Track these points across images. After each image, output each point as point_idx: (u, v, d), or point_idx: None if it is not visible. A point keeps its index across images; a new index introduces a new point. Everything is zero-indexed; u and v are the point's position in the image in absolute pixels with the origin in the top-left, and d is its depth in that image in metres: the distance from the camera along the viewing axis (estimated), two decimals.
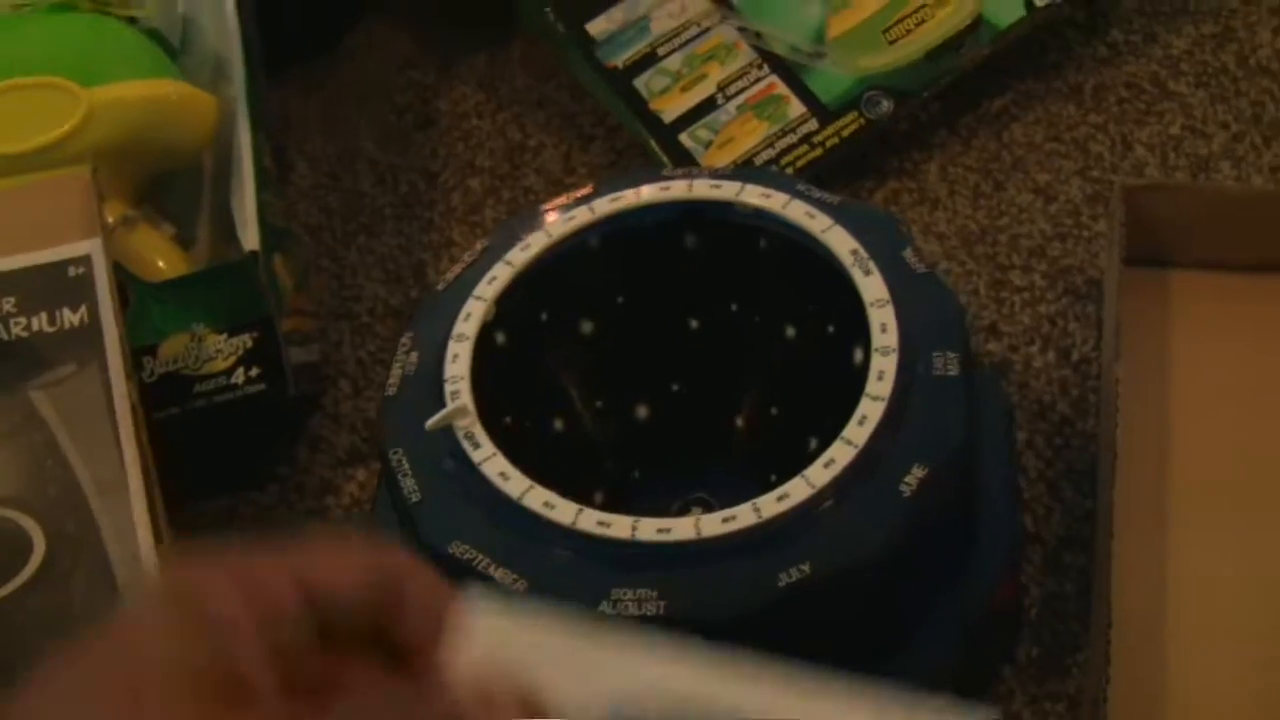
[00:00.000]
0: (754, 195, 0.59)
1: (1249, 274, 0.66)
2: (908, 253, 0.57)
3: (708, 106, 0.72)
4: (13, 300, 0.63)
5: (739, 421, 0.63)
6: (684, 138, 0.71)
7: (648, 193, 0.60)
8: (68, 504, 0.60)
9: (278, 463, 0.68)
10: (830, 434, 0.53)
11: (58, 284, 0.63)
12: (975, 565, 0.56)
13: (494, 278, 0.58)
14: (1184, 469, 0.62)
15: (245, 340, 0.64)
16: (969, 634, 0.57)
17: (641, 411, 0.63)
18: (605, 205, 0.60)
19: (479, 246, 0.60)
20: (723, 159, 0.71)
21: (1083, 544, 0.61)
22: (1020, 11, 0.73)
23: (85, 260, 0.63)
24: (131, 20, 0.70)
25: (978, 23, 0.73)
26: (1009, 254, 0.70)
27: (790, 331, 0.61)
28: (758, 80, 0.72)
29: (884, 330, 0.55)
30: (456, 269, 0.59)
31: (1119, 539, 0.57)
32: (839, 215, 0.58)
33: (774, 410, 0.63)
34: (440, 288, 0.59)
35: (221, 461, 0.67)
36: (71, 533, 0.60)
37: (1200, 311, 0.66)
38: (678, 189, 0.60)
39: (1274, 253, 0.65)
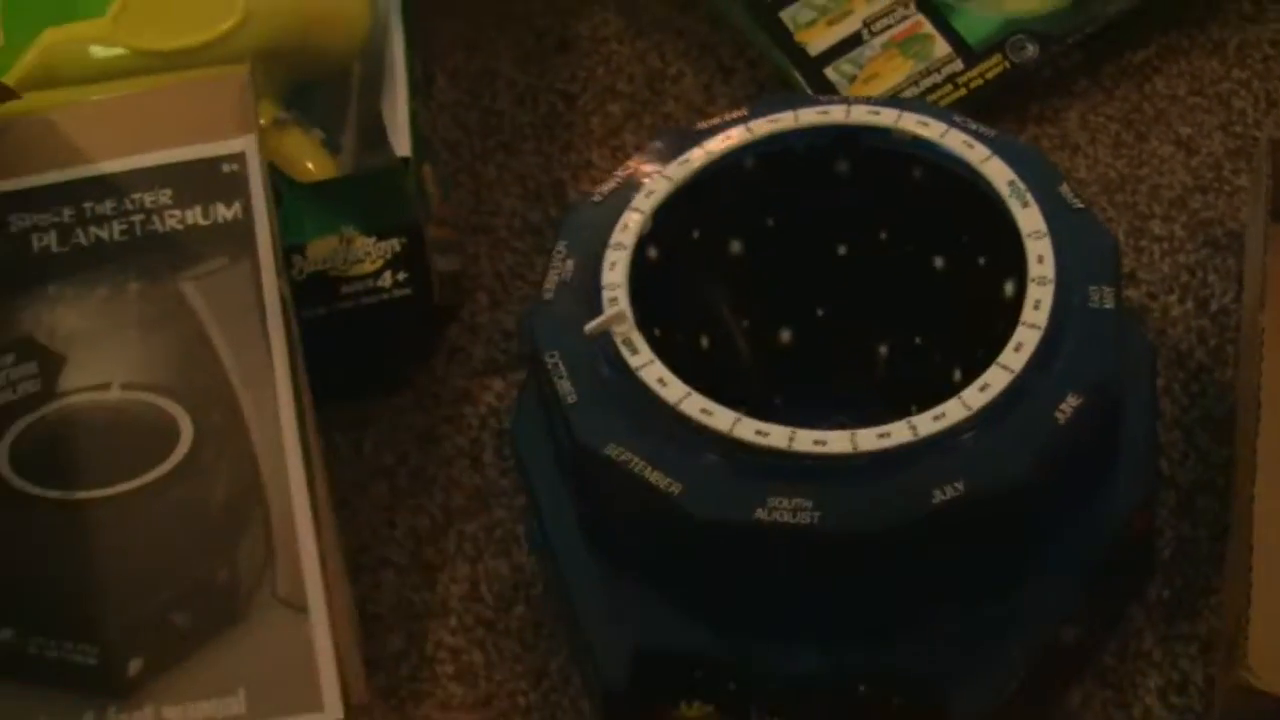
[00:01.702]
0: (911, 123, 0.59)
1: None
2: (1063, 188, 0.58)
3: (853, 42, 0.73)
4: (168, 193, 0.64)
5: (882, 350, 0.64)
6: (828, 71, 0.72)
7: (805, 116, 0.60)
8: (215, 395, 0.61)
9: (416, 370, 0.69)
10: (976, 367, 0.54)
11: (212, 179, 0.64)
12: (1114, 497, 0.57)
13: (651, 191, 0.59)
14: None
15: (394, 245, 0.65)
16: (1103, 562, 0.57)
17: (785, 335, 0.64)
18: (763, 126, 0.60)
19: (633, 161, 0.61)
20: (866, 94, 0.71)
21: (1216, 490, 0.62)
22: None
23: (240, 157, 0.64)
24: None
25: None
26: (1149, 203, 0.70)
27: (939, 262, 0.62)
28: (904, 18, 0.73)
29: (1041, 261, 0.55)
30: (612, 182, 0.60)
31: (1260, 483, 0.57)
32: (996, 147, 0.58)
33: (918, 340, 0.63)
34: (596, 199, 0.60)
35: (362, 365, 0.68)
36: (217, 423, 0.61)
37: None
38: (835, 114, 0.60)
39: None
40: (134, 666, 0.57)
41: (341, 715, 0.57)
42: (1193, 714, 0.58)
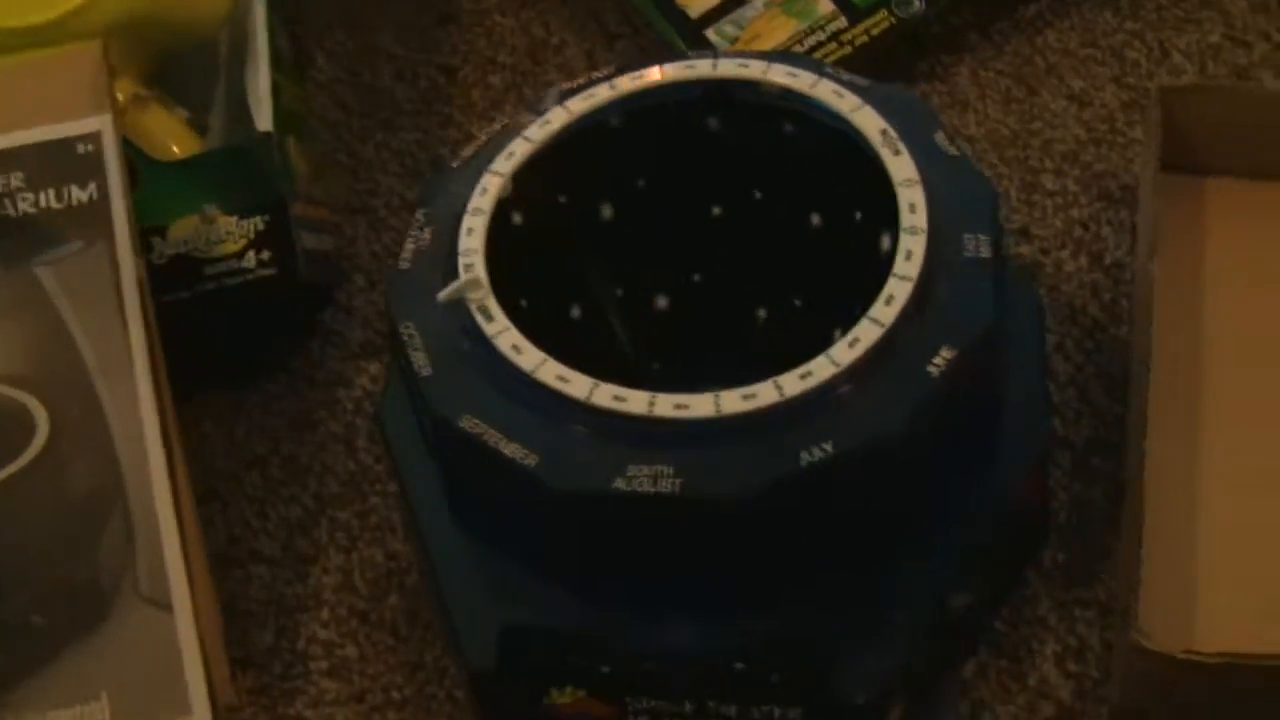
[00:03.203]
0: (780, 74, 0.57)
1: None
2: (939, 135, 0.55)
3: (735, 2, 0.71)
4: (20, 176, 0.61)
5: (760, 313, 0.62)
6: (710, 33, 0.70)
7: (671, 71, 0.58)
8: (72, 385, 0.59)
9: (290, 355, 0.67)
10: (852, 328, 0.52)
11: (66, 160, 0.61)
12: (1001, 459, 0.55)
13: (511, 153, 0.56)
14: (1216, 374, 0.60)
15: (257, 223, 0.63)
16: (993, 526, 0.55)
17: (661, 302, 0.62)
18: (627, 83, 0.58)
19: (496, 125, 0.58)
20: None
21: (1112, 449, 0.60)
22: None
23: (95, 137, 0.62)
24: None
25: None
26: (1041, 158, 0.68)
27: (815, 220, 0.60)
28: None
29: (913, 210, 0.53)
30: (472, 146, 0.58)
31: (1151, 441, 0.55)
32: (868, 96, 0.56)
33: (797, 302, 0.61)
34: (455, 164, 0.58)
35: (230, 349, 0.65)
36: (75, 415, 0.58)
37: (1236, 220, 0.64)
38: (702, 68, 0.58)
39: None
40: None
41: (209, 717, 0.55)
42: (1090, 680, 0.56)
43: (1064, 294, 0.64)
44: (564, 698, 0.54)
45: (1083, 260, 0.65)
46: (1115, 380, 0.62)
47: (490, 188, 0.56)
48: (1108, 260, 0.65)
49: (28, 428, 0.58)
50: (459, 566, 0.55)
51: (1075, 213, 0.66)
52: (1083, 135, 0.68)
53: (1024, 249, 0.65)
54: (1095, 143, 0.68)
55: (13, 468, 0.58)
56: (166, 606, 0.56)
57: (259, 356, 0.66)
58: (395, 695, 0.59)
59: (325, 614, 0.61)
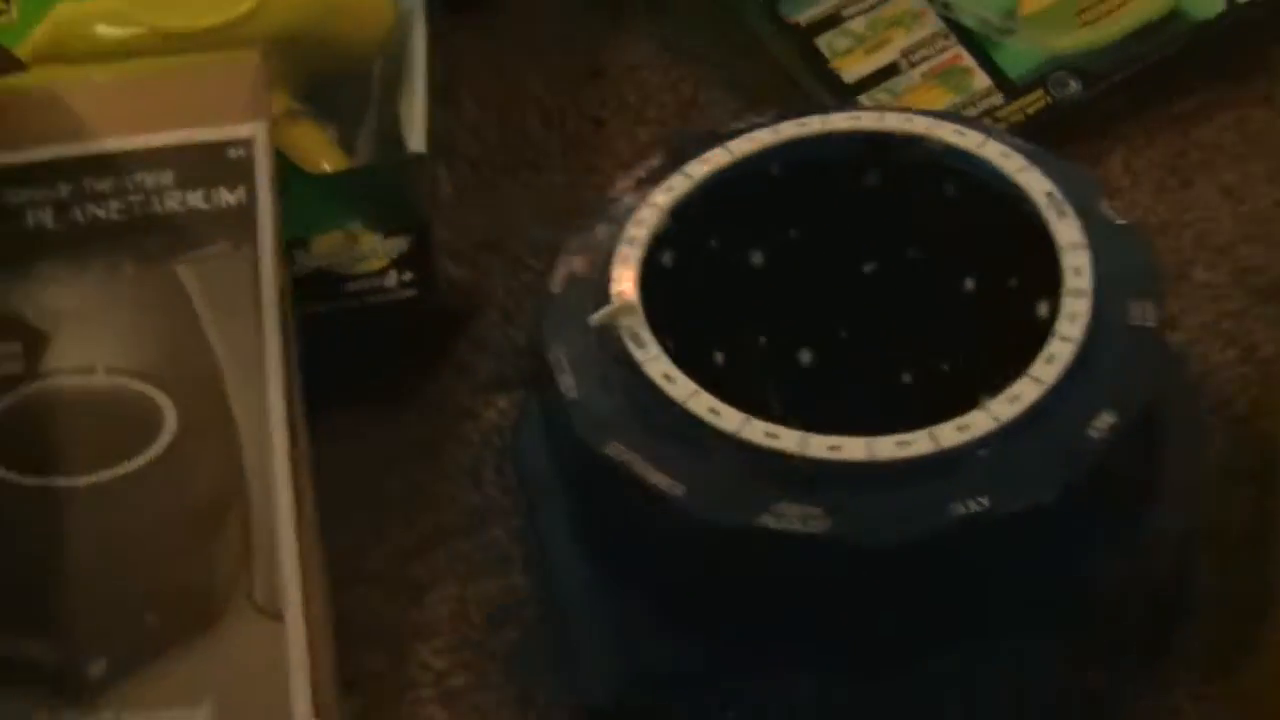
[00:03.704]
0: (946, 131, 0.57)
1: None
2: (1104, 204, 0.55)
3: (890, 71, 0.71)
4: (169, 175, 0.62)
5: (906, 377, 0.61)
6: (864, 99, 0.70)
7: (836, 121, 0.58)
8: (203, 385, 0.58)
9: (419, 383, 0.66)
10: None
11: (217, 163, 0.62)
12: (1148, 536, 0.54)
13: (670, 188, 0.56)
14: None
15: (401, 243, 0.63)
16: (1134, 605, 0.54)
17: (805, 356, 0.61)
18: (790, 129, 0.58)
19: (653, 159, 0.58)
20: None
21: (1258, 541, 0.58)
22: (1220, 5, 0.71)
23: (247, 143, 0.62)
24: None
25: (1175, 13, 0.71)
26: (1193, 249, 0.67)
27: (970, 284, 0.59)
28: (943, 49, 0.71)
29: (1078, 273, 0.52)
30: (629, 178, 0.58)
31: None
32: (1035, 159, 0.56)
33: (945, 367, 0.60)
34: (611, 196, 0.57)
35: (362, 369, 0.65)
36: (203, 414, 0.58)
37: None
38: (867, 120, 0.57)
39: None
40: (96, 668, 0.54)
41: None
42: None
43: (1211, 385, 0.63)
44: None
45: (1231, 353, 0.64)
46: (1261, 474, 0.60)
47: (647, 219, 0.55)
48: (1258, 355, 0.64)
49: (155, 423, 0.58)
50: (586, 603, 0.55)
51: (1225, 305, 0.65)
52: (1235, 230, 0.68)
53: (1173, 337, 0.64)
54: (1248, 239, 0.67)
55: (139, 461, 0.57)
56: (279, 617, 0.55)
57: (388, 380, 0.66)
58: None
59: (438, 642, 0.60)
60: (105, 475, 0.57)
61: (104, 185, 0.61)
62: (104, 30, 0.65)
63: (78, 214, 0.61)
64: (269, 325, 0.59)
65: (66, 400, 0.58)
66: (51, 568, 0.55)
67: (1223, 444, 0.61)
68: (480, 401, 0.66)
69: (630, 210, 0.56)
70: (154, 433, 0.58)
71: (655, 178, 0.57)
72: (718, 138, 0.58)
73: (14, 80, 0.63)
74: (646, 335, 0.52)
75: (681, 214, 0.56)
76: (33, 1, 0.66)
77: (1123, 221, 0.54)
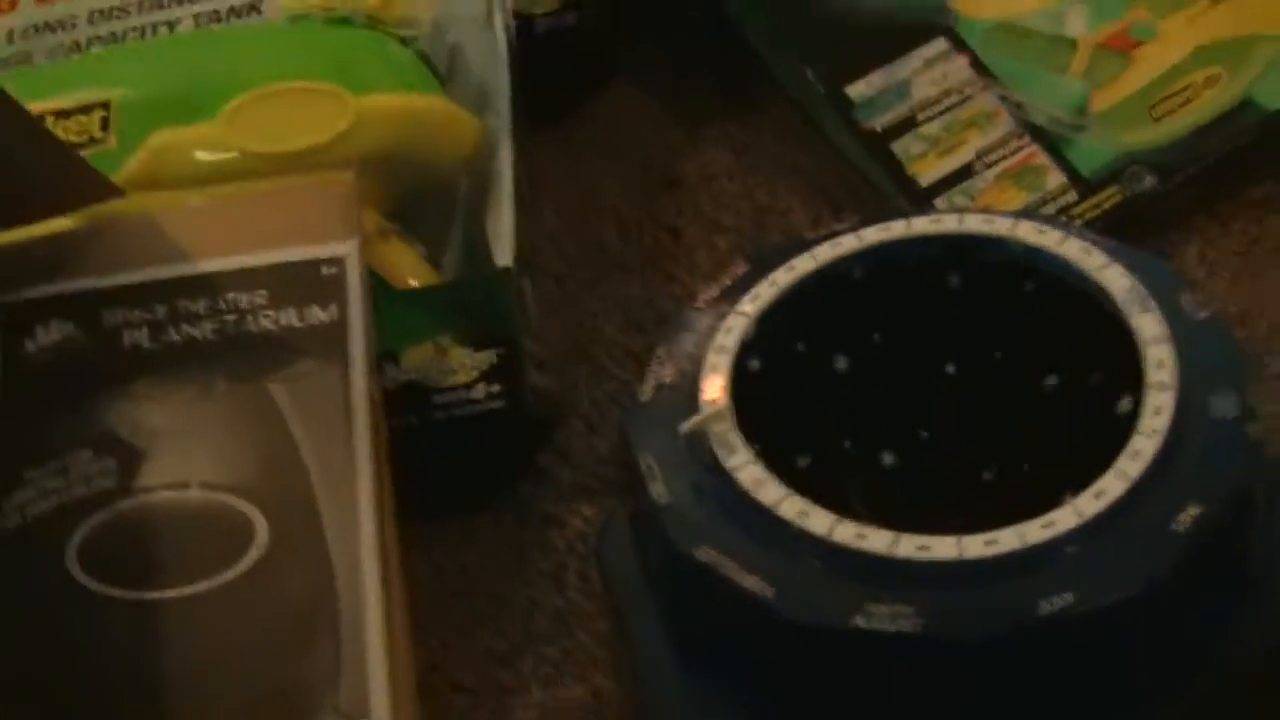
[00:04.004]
0: (1027, 230, 0.57)
1: None
2: (1185, 297, 0.55)
3: (965, 173, 0.71)
4: (264, 294, 0.63)
5: (987, 475, 0.61)
6: (940, 202, 0.71)
7: (918, 225, 0.59)
8: (295, 498, 0.59)
9: (503, 492, 0.67)
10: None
11: (310, 281, 0.63)
12: (1241, 629, 0.54)
13: (756, 295, 0.57)
14: None
15: (490, 356, 0.64)
16: (1226, 702, 0.54)
17: (888, 458, 0.62)
18: (873, 234, 0.59)
19: (738, 268, 0.59)
20: None
21: None
22: None
23: (340, 261, 0.63)
24: (404, 41, 0.71)
25: (1246, 104, 0.72)
26: (1268, 339, 0.68)
27: (1051, 381, 0.59)
28: (1017, 149, 0.72)
29: (1160, 366, 0.53)
30: (714, 288, 0.59)
31: None
32: (1115, 255, 0.56)
33: (1027, 466, 0.60)
34: (698, 305, 0.58)
35: (449, 481, 0.66)
36: (295, 528, 0.59)
37: None
38: (948, 223, 0.58)
39: None
40: None
41: None
42: None
43: None
44: None
45: None
46: None
47: (735, 327, 0.56)
48: None
49: (247, 537, 0.59)
50: (677, 707, 0.55)
51: None
52: None
53: (1251, 429, 0.64)
54: None
55: (229, 574, 0.58)
56: None
57: (476, 490, 0.67)
58: None
59: None
60: (197, 588, 0.57)
61: (199, 306, 0.62)
62: (201, 156, 0.67)
63: (173, 334, 0.62)
64: (360, 439, 0.60)
65: (160, 515, 0.59)
66: (144, 681, 0.56)
67: None
68: (564, 509, 0.67)
69: (717, 319, 0.57)
70: (245, 546, 0.59)
71: (740, 287, 0.58)
72: (802, 245, 0.59)
73: (112, 205, 0.65)
74: (737, 441, 0.53)
75: (767, 320, 0.57)
76: (131, 128, 0.68)
77: (1204, 315, 0.54)
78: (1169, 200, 0.72)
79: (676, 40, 0.85)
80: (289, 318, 0.63)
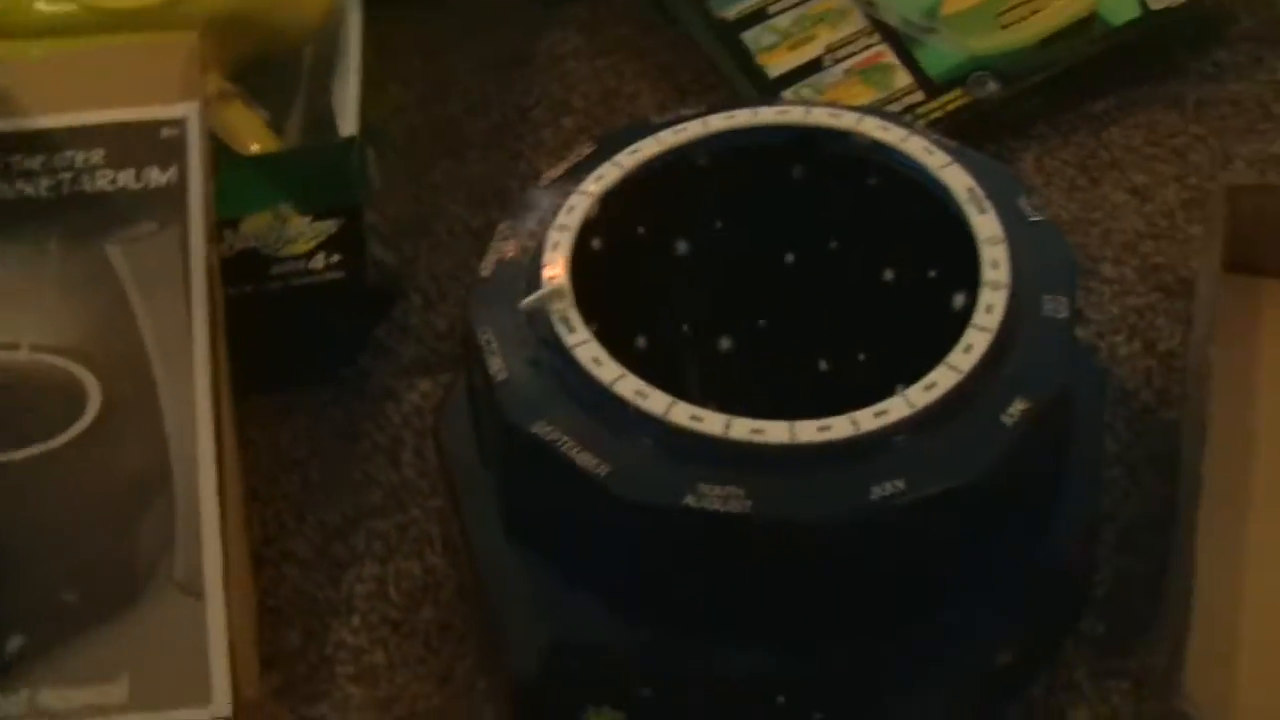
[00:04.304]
0: (872, 126, 0.58)
1: None
2: (1022, 200, 0.56)
3: (814, 67, 0.72)
4: (101, 152, 0.62)
5: (823, 365, 0.62)
6: (787, 94, 0.71)
7: (764, 115, 0.59)
8: (129, 364, 0.59)
9: (340, 365, 0.67)
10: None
11: (149, 143, 0.62)
12: (1055, 523, 0.55)
13: (601, 176, 0.57)
14: (1266, 463, 0.61)
15: (330, 226, 0.63)
16: (1042, 588, 0.55)
17: (725, 343, 0.63)
18: (719, 122, 0.59)
19: (585, 148, 0.59)
20: None
21: (1158, 527, 0.60)
22: (1135, 12, 0.73)
23: (180, 123, 0.62)
24: None
25: (1092, 18, 0.73)
26: (1101, 246, 0.69)
27: (889, 274, 0.60)
28: (867, 47, 0.72)
29: (995, 266, 0.54)
30: (560, 167, 0.59)
31: (1202, 515, 0.56)
32: (957, 156, 0.57)
33: (861, 356, 0.62)
34: (543, 183, 0.58)
35: (287, 352, 0.65)
36: (129, 394, 0.58)
37: None
38: (795, 114, 0.59)
39: None
40: (13, 644, 0.54)
41: (230, 712, 0.54)
42: None
43: (1116, 377, 0.65)
44: (601, 718, 0.54)
45: (1136, 346, 0.66)
46: (1163, 461, 0.62)
47: (578, 206, 0.56)
48: (1161, 348, 0.66)
49: (79, 401, 0.58)
50: (509, 580, 0.55)
51: (1131, 301, 0.67)
52: (1142, 228, 0.70)
53: (1080, 332, 0.66)
54: (1154, 236, 0.69)
55: (60, 439, 0.58)
56: (199, 595, 0.55)
57: (312, 363, 0.66)
58: (421, 705, 0.58)
59: (356, 620, 0.60)
60: (26, 453, 0.57)
61: (33, 162, 0.61)
62: (41, 7, 0.65)
63: (5, 189, 0.61)
64: (197, 305, 0.59)
65: None
66: None
67: (1125, 434, 0.63)
68: (402, 384, 0.67)
69: (561, 198, 0.57)
70: (78, 411, 0.58)
71: (585, 167, 0.58)
72: (648, 128, 0.59)
73: None
74: (576, 319, 0.53)
75: (611, 202, 0.57)
76: None
77: (1039, 218, 0.56)
78: (1012, 107, 0.73)
79: None
80: (127, 178, 0.61)
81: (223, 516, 0.57)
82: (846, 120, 0.58)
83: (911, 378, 0.53)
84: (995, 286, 0.53)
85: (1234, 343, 0.64)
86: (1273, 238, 0.65)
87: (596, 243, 0.58)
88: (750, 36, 0.73)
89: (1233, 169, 0.71)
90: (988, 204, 0.55)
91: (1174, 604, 0.55)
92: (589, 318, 0.55)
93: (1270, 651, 0.56)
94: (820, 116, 0.59)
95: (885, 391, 0.57)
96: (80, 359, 0.59)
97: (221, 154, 0.63)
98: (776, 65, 0.72)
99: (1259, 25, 0.77)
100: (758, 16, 0.73)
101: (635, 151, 0.58)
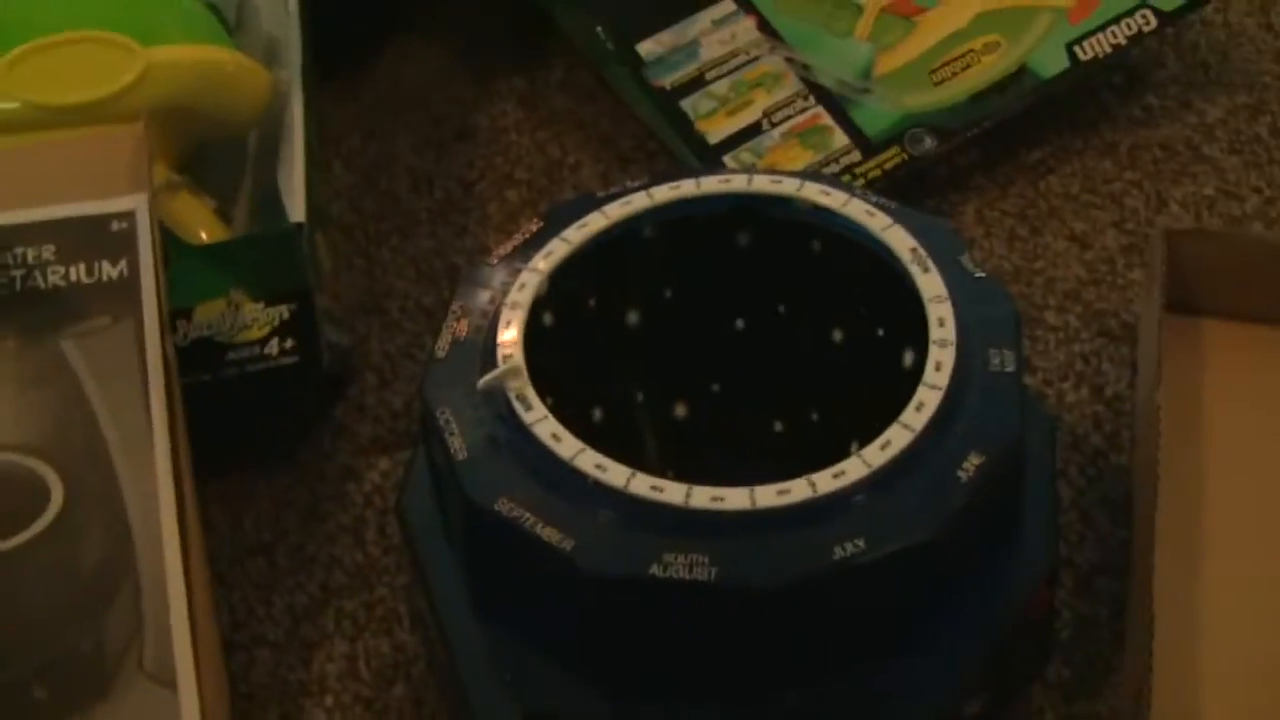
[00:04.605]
0: (813, 192, 0.59)
1: None
2: (964, 257, 0.57)
3: (753, 131, 0.73)
4: (52, 248, 0.62)
5: (778, 426, 0.63)
6: (728, 159, 0.72)
7: (707, 184, 0.60)
8: (90, 457, 0.59)
9: (300, 447, 0.67)
10: (874, 440, 0.53)
11: (100, 236, 0.62)
12: (1018, 567, 0.56)
13: (550, 252, 0.58)
14: (1218, 498, 0.62)
15: (282, 311, 0.64)
16: (1005, 636, 0.56)
17: (680, 409, 0.63)
18: (664, 192, 0.59)
19: (532, 224, 0.60)
20: None
21: (1115, 571, 0.61)
22: (1064, 63, 0.74)
23: (130, 215, 0.63)
24: None
25: (1022, 71, 0.74)
26: (1044, 295, 0.70)
27: (838, 335, 0.61)
28: (803, 110, 0.73)
29: (942, 324, 0.55)
30: (509, 244, 0.59)
31: (1158, 558, 0.57)
32: (898, 216, 0.58)
33: (815, 416, 0.62)
34: (492, 260, 0.59)
35: (244, 437, 0.66)
36: (91, 487, 0.59)
37: (1232, 357, 0.66)
38: (737, 182, 0.60)
39: None
40: None
41: None
42: None
43: (1066, 424, 0.66)
44: None
45: (1084, 392, 0.67)
46: (1117, 505, 0.63)
47: (529, 284, 0.57)
48: (1108, 393, 0.67)
49: (41, 497, 0.58)
50: (478, 653, 0.55)
51: (1077, 348, 0.68)
52: (1084, 275, 0.71)
53: (1028, 380, 0.67)
54: (1096, 282, 0.71)
55: (24, 536, 0.58)
56: (171, 684, 0.55)
57: (271, 446, 0.67)
58: None
59: (329, 700, 0.61)
60: None
61: None
62: None
63: None
64: (154, 396, 0.59)
65: None
66: None
67: (1078, 479, 0.64)
68: (362, 463, 0.67)
69: (512, 275, 0.57)
70: (40, 507, 0.58)
71: (534, 243, 0.58)
72: (594, 202, 0.60)
73: None
74: (532, 397, 0.54)
75: (560, 277, 0.58)
76: None
77: (982, 274, 0.57)
78: (949, 161, 0.75)
79: None
80: (79, 273, 0.62)
81: (190, 604, 0.57)
82: (788, 186, 0.59)
83: (865, 434, 0.54)
84: (943, 344, 0.54)
85: (1179, 384, 0.65)
86: (1210, 279, 0.66)
87: (548, 318, 0.58)
88: (689, 104, 0.73)
89: (1168, 213, 0.73)
90: (931, 263, 0.56)
91: (1135, 647, 0.56)
92: (545, 392, 0.56)
93: (1233, 689, 0.57)
94: (762, 184, 0.59)
95: (840, 448, 0.58)
96: (40, 455, 0.59)
97: (172, 244, 0.64)
98: (716, 131, 0.73)
99: (1185, 69, 0.79)
100: (695, 84, 0.74)
101: (583, 226, 0.59)
